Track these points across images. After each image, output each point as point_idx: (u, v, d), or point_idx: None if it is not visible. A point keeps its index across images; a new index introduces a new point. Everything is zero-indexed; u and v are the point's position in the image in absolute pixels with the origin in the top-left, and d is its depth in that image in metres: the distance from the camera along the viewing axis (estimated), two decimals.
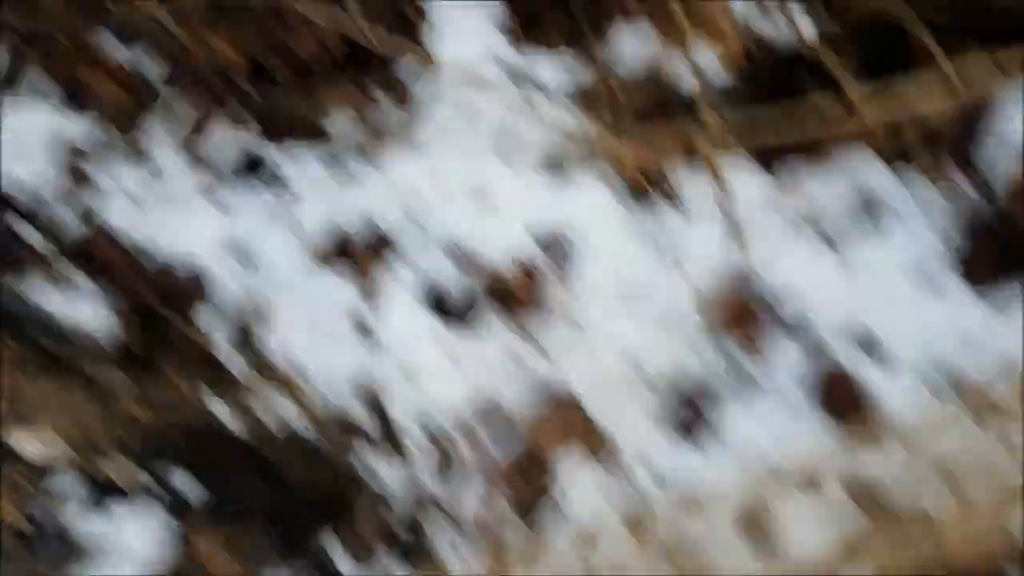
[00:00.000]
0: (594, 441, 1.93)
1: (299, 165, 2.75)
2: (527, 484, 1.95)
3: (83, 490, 2.58)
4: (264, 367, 2.35)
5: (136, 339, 2.78)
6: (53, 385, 2.93)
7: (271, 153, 2.78)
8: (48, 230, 2.98)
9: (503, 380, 2.07)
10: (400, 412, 2.13)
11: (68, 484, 2.60)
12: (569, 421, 1.96)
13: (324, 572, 2.30)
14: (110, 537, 2.49)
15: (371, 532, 2.15)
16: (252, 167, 2.78)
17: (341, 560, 2.24)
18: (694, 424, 1.89)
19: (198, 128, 2.89)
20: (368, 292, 2.27)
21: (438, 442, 2.06)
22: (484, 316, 2.14)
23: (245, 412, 2.41)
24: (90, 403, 2.91)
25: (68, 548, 2.45)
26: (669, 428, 1.90)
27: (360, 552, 2.19)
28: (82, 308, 2.91)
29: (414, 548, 2.07)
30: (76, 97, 3.15)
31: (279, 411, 2.31)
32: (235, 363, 2.42)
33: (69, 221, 2.93)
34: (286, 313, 2.36)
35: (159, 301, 2.70)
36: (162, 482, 2.58)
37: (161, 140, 2.95)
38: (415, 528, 2.08)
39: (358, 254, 2.36)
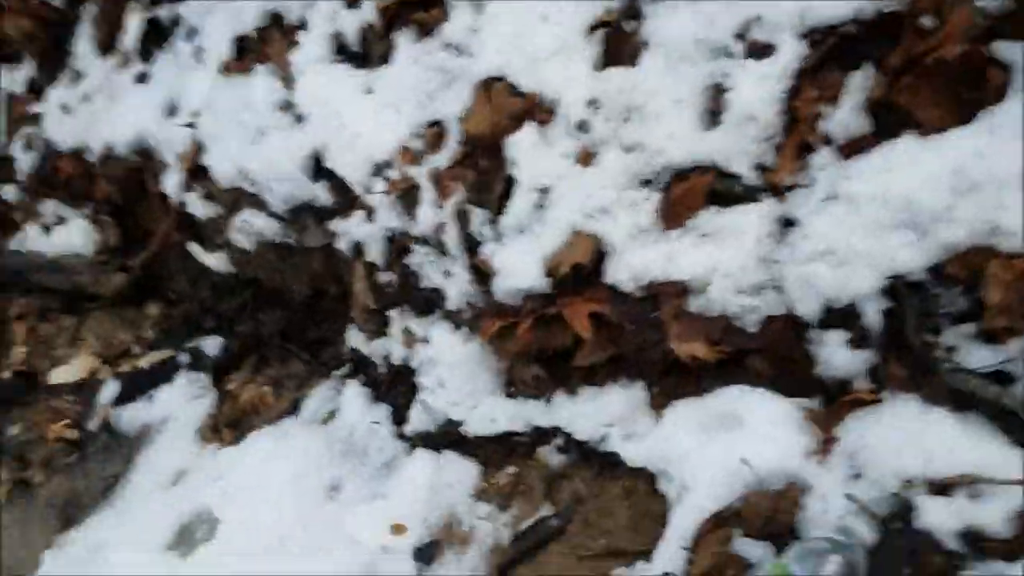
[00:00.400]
0: (534, 111, 1.76)
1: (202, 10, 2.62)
2: (482, 175, 1.80)
3: (122, 388, 2.63)
4: (220, 195, 2.28)
5: (117, 236, 2.78)
6: (74, 319, 2.98)
7: (179, 13, 2.67)
8: (13, 178, 2.99)
9: (433, 96, 1.92)
10: (350, 170, 2.01)
11: (108, 389, 2.66)
12: (504, 102, 1.79)
13: (356, 366, 2.25)
14: (159, 416, 2.53)
15: (371, 299, 2.07)
16: (164, 33, 2.68)
17: (358, 340, 2.19)
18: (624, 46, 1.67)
19: (114, 22, 2.79)
20: (284, 76, 2.14)
21: (393, 182, 1.93)
22: (394, 45, 1.98)
23: (225, 245, 2.36)
24: (110, 318, 2.96)
25: (117, 442, 2.51)
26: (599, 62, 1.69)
27: (371, 325, 2.12)
28: (69, 233, 2.93)
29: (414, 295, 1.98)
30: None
31: (250, 229, 2.24)
32: (198, 207, 2.36)
33: (26, 161, 2.94)
34: (223, 139, 2.27)
35: (120, 191, 2.67)
36: (191, 352, 2.59)
37: (85, 49, 2.89)
38: (405, 275, 1.98)
39: (265, 47, 2.23)
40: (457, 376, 1.91)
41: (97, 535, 2.25)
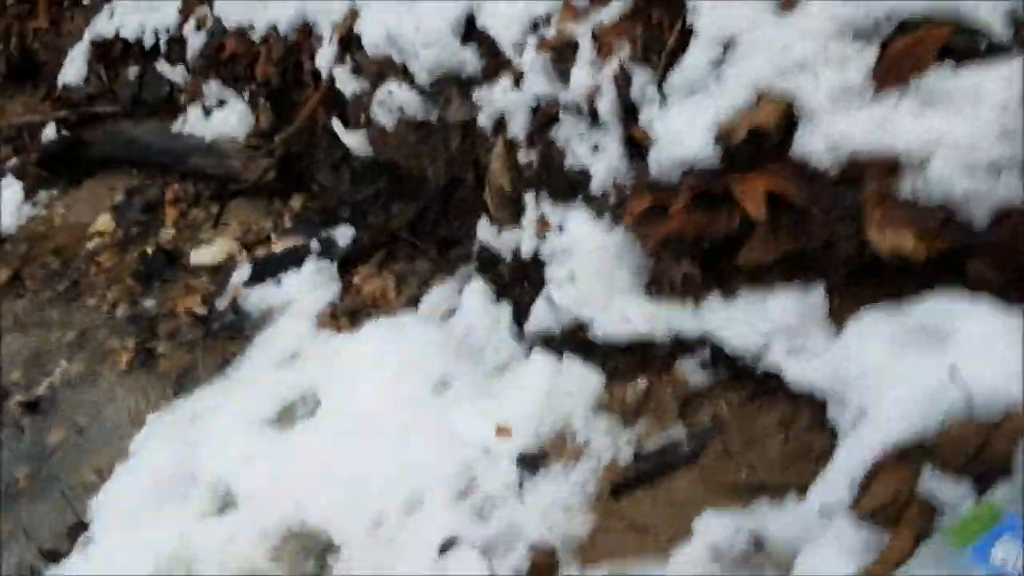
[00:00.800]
0: None
1: None
2: (652, 28, 1.53)
3: (253, 270, 2.57)
4: (367, 67, 2.14)
5: (270, 119, 2.73)
6: (221, 205, 2.98)
7: None
8: (183, 59, 3.02)
9: None
10: (504, 27, 1.80)
11: (241, 271, 2.61)
12: None
13: (482, 263, 2.04)
14: (283, 300, 2.45)
15: (507, 180, 1.86)
16: None
17: (488, 233, 1.98)
18: None
19: None
20: None
21: (547, 40, 1.70)
22: None
23: (367, 123, 2.23)
24: (254, 206, 2.93)
25: (240, 322, 2.45)
26: None
27: (503, 212, 1.91)
28: (226, 117, 2.93)
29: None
30: None
31: (393, 104, 2.09)
32: (346, 82, 2.24)
33: (196, 42, 2.95)
34: (378, 3, 2.13)
35: (278, 71, 2.61)
36: (322, 240, 2.49)
37: None
38: (547, 152, 1.75)
39: None
40: (591, 270, 1.66)
41: (201, 404, 2.18)
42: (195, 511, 1.86)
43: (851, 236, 1.31)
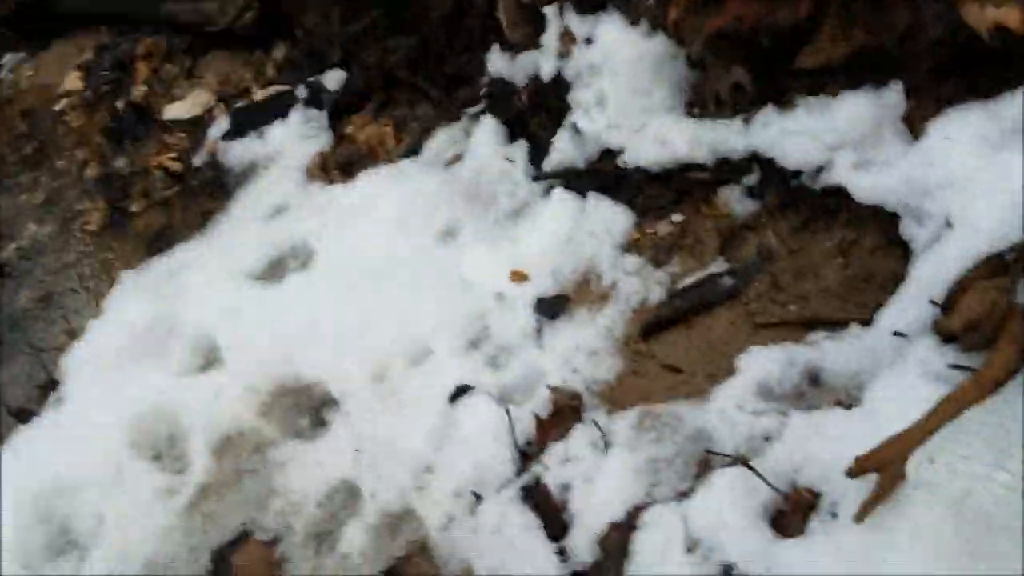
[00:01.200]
0: None
1: None
2: None
3: (234, 123, 2.35)
4: None
5: None
6: (196, 59, 2.73)
7: None
8: None
9: None
10: None
11: (220, 125, 2.39)
12: None
13: (493, 100, 1.83)
14: (267, 153, 2.23)
15: None
16: None
17: (501, 63, 1.76)
18: None
19: None
20: None
21: None
22: None
23: None
24: (233, 57, 2.68)
25: (221, 178, 2.24)
26: None
27: (520, 31, 1.69)
28: None
29: None
30: None
31: None
32: None
33: None
34: None
35: None
36: (310, 86, 2.26)
37: None
38: None
39: None
40: (624, 88, 1.45)
41: (180, 261, 1.99)
42: (176, 367, 1.69)
43: (940, 17, 1.11)
